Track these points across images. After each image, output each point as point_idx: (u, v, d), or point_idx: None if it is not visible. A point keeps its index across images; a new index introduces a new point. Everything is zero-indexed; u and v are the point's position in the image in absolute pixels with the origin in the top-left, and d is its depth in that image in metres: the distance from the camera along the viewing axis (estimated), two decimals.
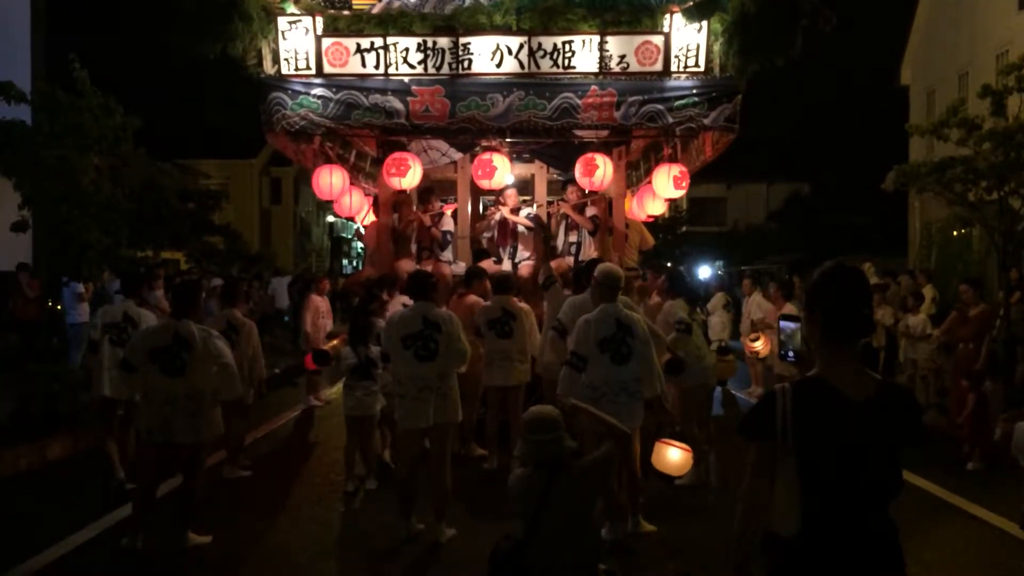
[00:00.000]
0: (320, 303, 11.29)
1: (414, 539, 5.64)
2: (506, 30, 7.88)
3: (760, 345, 10.57)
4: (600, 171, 8.44)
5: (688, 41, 7.85)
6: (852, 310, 2.42)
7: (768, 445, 2.40)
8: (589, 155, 8.51)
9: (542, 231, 9.38)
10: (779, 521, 2.40)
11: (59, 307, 13.03)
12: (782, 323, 2.88)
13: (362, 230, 10.61)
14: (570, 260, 9.14)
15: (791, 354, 2.87)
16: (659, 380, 5.67)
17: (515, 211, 9.38)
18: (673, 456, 6.01)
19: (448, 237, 9.38)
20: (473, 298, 7.79)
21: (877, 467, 2.35)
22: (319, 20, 7.94)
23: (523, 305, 7.77)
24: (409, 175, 8.53)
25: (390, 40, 7.89)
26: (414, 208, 9.61)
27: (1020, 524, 3.78)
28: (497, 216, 9.42)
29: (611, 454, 3.62)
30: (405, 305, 7.23)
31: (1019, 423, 3.89)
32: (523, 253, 9.43)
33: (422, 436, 5.73)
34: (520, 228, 9.40)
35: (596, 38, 7.83)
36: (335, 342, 7.42)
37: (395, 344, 5.61)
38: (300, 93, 7.97)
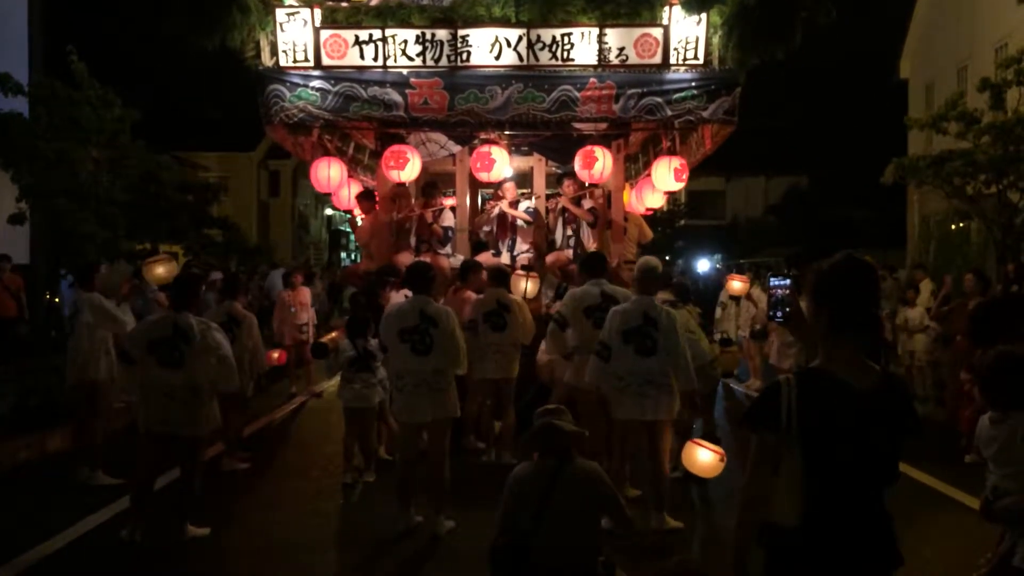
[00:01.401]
0: (290, 298, 11.35)
1: (413, 532, 5.66)
2: (505, 22, 7.85)
3: (739, 286, 10.26)
4: (599, 164, 8.42)
5: (687, 33, 7.82)
6: (862, 306, 2.42)
7: (772, 436, 2.40)
8: (588, 148, 8.49)
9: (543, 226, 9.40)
10: (780, 513, 2.40)
11: (56, 300, 13.01)
12: (772, 281, 2.88)
13: (359, 220, 10.55)
14: (568, 253, 9.13)
15: (779, 315, 2.87)
16: (692, 374, 5.69)
17: (513, 204, 9.36)
18: (703, 458, 5.94)
19: (449, 233, 9.37)
20: (469, 293, 7.77)
21: (880, 456, 2.37)
22: (317, 12, 7.91)
23: (517, 297, 7.76)
24: (408, 168, 8.51)
25: (388, 32, 7.86)
26: (412, 202, 9.59)
27: (980, 509, 3.83)
28: (496, 210, 9.39)
29: (622, 513, 3.67)
30: (407, 297, 7.34)
31: (982, 416, 3.93)
32: (522, 246, 9.42)
33: (420, 430, 5.77)
34: (519, 222, 9.38)
35: (595, 30, 7.80)
36: (334, 334, 7.43)
37: (392, 337, 5.63)
38: (298, 85, 7.94)
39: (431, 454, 5.71)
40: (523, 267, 8.67)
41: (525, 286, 8.16)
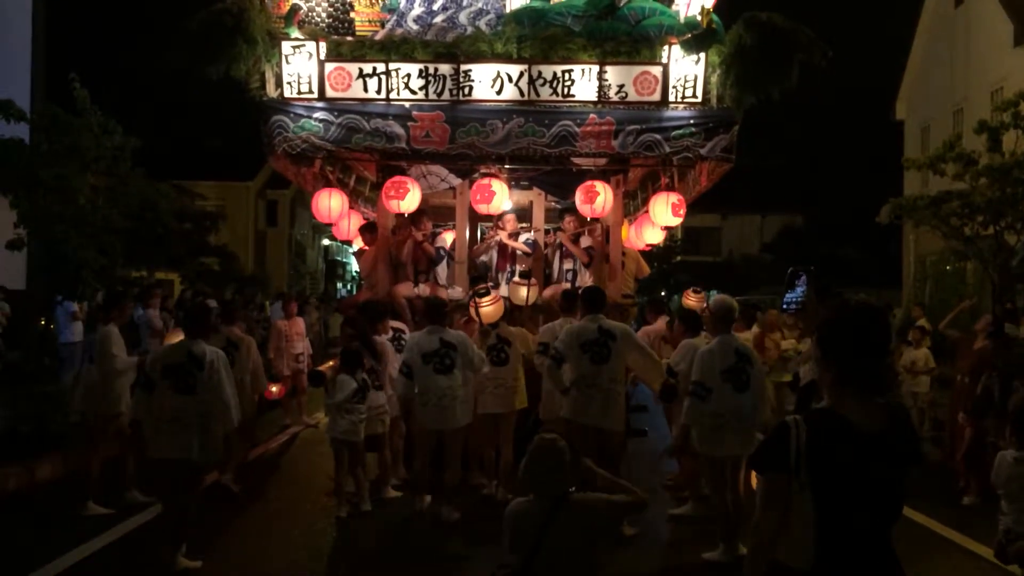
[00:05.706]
0: (285, 327, 11.35)
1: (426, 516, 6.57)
2: (507, 58, 7.93)
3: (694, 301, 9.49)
4: (600, 198, 8.46)
5: (686, 72, 7.89)
6: (872, 361, 2.41)
7: (782, 477, 2.38)
8: (589, 182, 8.53)
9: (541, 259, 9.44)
10: (793, 554, 2.37)
11: (51, 326, 12.96)
12: (787, 296, 2.97)
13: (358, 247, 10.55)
14: (566, 287, 9.11)
15: (793, 306, 2.92)
16: (768, 406, 6.06)
17: (513, 236, 9.32)
18: None
19: (441, 252, 9.37)
20: (474, 326, 7.72)
21: (889, 496, 2.37)
22: (323, 45, 7.98)
23: (517, 330, 7.74)
24: (408, 198, 8.52)
25: (392, 66, 7.93)
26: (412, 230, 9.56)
27: (995, 553, 3.82)
28: (495, 240, 9.37)
29: (630, 505, 3.52)
30: (395, 329, 7.97)
31: (1001, 452, 3.92)
32: None
33: (437, 436, 6.68)
34: (519, 253, 9.33)
35: (595, 67, 7.87)
36: (331, 363, 7.41)
37: (416, 360, 6.59)
38: (302, 116, 7.98)
39: (446, 457, 6.68)
40: (522, 273, 8.71)
41: (527, 294, 8.35)
